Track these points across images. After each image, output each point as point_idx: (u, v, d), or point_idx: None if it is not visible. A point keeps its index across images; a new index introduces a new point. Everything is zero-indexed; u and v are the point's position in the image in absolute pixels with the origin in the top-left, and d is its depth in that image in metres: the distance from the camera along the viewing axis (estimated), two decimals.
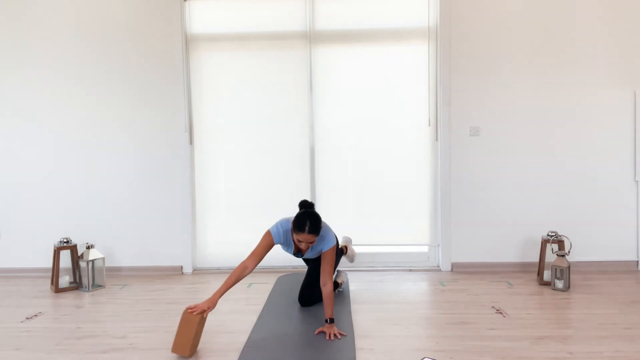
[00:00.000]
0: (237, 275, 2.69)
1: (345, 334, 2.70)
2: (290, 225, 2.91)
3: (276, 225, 2.90)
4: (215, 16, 4.18)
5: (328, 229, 2.96)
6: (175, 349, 2.46)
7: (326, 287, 2.80)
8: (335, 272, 3.61)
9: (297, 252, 3.03)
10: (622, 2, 3.97)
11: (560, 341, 2.60)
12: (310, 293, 3.23)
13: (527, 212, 4.09)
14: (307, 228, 2.70)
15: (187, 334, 2.44)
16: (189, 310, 2.49)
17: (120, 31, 4.13)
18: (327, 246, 2.88)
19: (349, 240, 3.82)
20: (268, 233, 2.86)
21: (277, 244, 2.90)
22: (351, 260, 3.70)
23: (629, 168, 4.04)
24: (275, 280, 3.88)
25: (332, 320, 2.74)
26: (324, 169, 4.23)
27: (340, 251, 3.58)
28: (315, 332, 2.74)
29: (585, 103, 4.03)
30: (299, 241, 2.75)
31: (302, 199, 4.17)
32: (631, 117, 4.02)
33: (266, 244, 2.85)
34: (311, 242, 2.76)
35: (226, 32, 4.19)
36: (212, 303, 2.57)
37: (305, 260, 3.40)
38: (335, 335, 2.67)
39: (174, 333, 2.81)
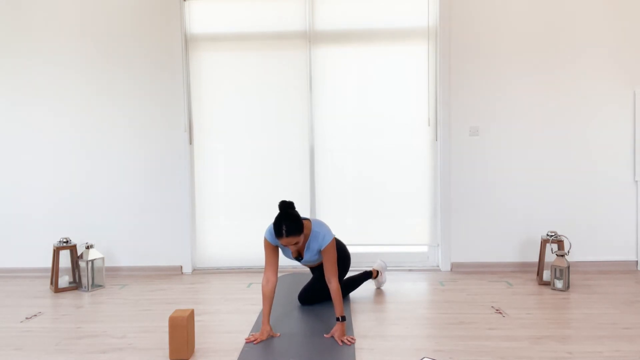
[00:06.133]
0: (266, 291, 2.75)
1: (355, 339, 2.64)
2: None
3: (268, 228, 2.84)
4: (215, 16, 4.18)
5: (320, 224, 2.87)
6: (173, 355, 2.44)
7: (332, 285, 2.73)
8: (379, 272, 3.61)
9: (298, 257, 2.95)
10: (622, 2, 3.97)
11: (560, 341, 2.60)
12: (311, 294, 3.23)
13: (526, 212, 4.09)
14: (284, 231, 2.60)
15: (180, 337, 2.43)
16: (248, 341, 2.64)
17: (120, 31, 4.12)
18: (325, 242, 2.77)
19: (383, 266, 3.67)
20: (264, 238, 2.84)
21: (275, 245, 2.83)
22: (378, 285, 3.64)
23: (629, 168, 4.04)
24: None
25: (343, 319, 2.67)
26: (323, 168, 4.23)
27: (369, 274, 3.53)
28: (326, 336, 2.68)
29: (584, 103, 4.03)
30: (284, 245, 2.69)
31: (300, 198, 4.20)
32: (631, 117, 4.02)
33: (269, 249, 2.82)
34: (296, 244, 2.68)
35: (226, 32, 4.19)
36: (267, 330, 2.69)
37: (312, 270, 3.35)
38: (344, 341, 2.60)
39: None
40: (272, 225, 2.75)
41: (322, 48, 4.17)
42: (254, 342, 2.62)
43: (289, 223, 2.62)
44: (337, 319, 2.68)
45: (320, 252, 2.88)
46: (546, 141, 4.06)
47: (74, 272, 3.85)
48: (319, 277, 3.23)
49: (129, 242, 4.21)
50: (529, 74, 4.03)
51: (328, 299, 3.18)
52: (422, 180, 4.21)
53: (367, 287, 3.66)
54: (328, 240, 2.78)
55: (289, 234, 2.61)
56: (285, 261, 4.21)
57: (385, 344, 2.61)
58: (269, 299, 2.74)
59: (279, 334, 2.73)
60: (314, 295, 3.24)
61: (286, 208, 2.71)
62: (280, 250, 2.91)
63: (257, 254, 4.22)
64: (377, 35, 4.14)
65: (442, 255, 4.14)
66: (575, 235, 4.08)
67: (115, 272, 4.22)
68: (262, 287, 2.76)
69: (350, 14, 4.14)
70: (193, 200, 4.26)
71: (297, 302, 3.30)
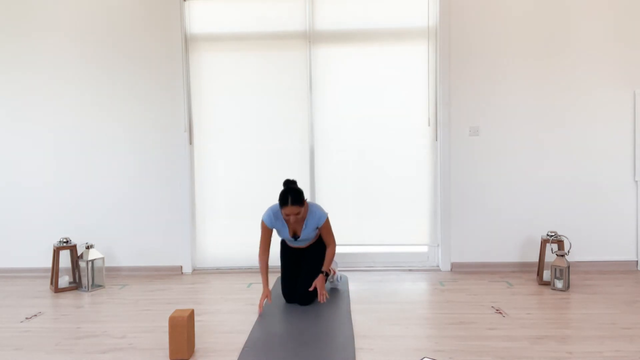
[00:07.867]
0: (263, 260, 3.20)
1: (328, 297, 3.29)
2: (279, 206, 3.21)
3: (267, 211, 3.23)
4: (215, 16, 4.18)
5: (315, 205, 3.27)
6: (173, 355, 2.44)
7: (330, 248, 3.28)
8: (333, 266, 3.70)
9: (294, 235, 3.27)
10: (622, 2, 3.97)
11: (560, 341, 2.60)
12: (306, 293, 3.22)
13: (526, 212, 4.09)
14: (289, 200, 3.04)
15: (180, 337, 2.43)
16: (260, 311, 3.08)
17: (120, 31, 4.13)
18: (322, 219, 3.24)
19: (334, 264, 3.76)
20: (262, 221, 3.23)
21: (271, 227, 3.22)
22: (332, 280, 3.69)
23: (629, 168, 4.04)
24: (275, 280, 3.88)
25: (326, 274, 3.25)
26: (323, 169, 4.23)
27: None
28: (310, 289, 3.19)
29: (584, 103, 4.03)
30: (287, 215, 3.07)
31: None
32: (631, 117, 4.02)
33: (264, 232, 3.22)
34: (297, 214, 3.06)
35: (226, 32, 4.19)
36: (268, 291, 3.14)
37: (300, 253, 3.42)
38: (320, 296, 3.15)
39: None
40: (275, 204, 3.27)
41: (322, 48, 4.17)
42: (263, 304, 3.12)
43: (293, 194, 3.07)
44: (322, 272, 3.24)
45: (317, 229, 3.30)
46: (546, 141, 4.06)
47: (74, 272, 3.85)
48: (306, 272, 3.30)
49: (129, 242, 4.21)
50: (528, 73, 4.03)
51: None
52: (422, 180, 4.21)
53: (367, 287, 3.66)
54: (324, 218, 3.26)
55: (293, 203, 3.04)
56: None
57: (385, 344, 2.61)
58: (266, 267, 3.20)
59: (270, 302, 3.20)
60: (308, 293, 3.23)
61: (290, 183, 3.18)
62: (276, 231, 3.31)
63: (257, 254, 4.21)
64: (377, 35, 4.14)
65: (442, 255, 4.14)
66: (575, 235, 4.08)
67: (115, 272, 4.22)
68: (260, 258, 3.20)
69: (350, 14, 4.14)
70: (193, 200, 4.26)
71: (296, 303, 3.30)
